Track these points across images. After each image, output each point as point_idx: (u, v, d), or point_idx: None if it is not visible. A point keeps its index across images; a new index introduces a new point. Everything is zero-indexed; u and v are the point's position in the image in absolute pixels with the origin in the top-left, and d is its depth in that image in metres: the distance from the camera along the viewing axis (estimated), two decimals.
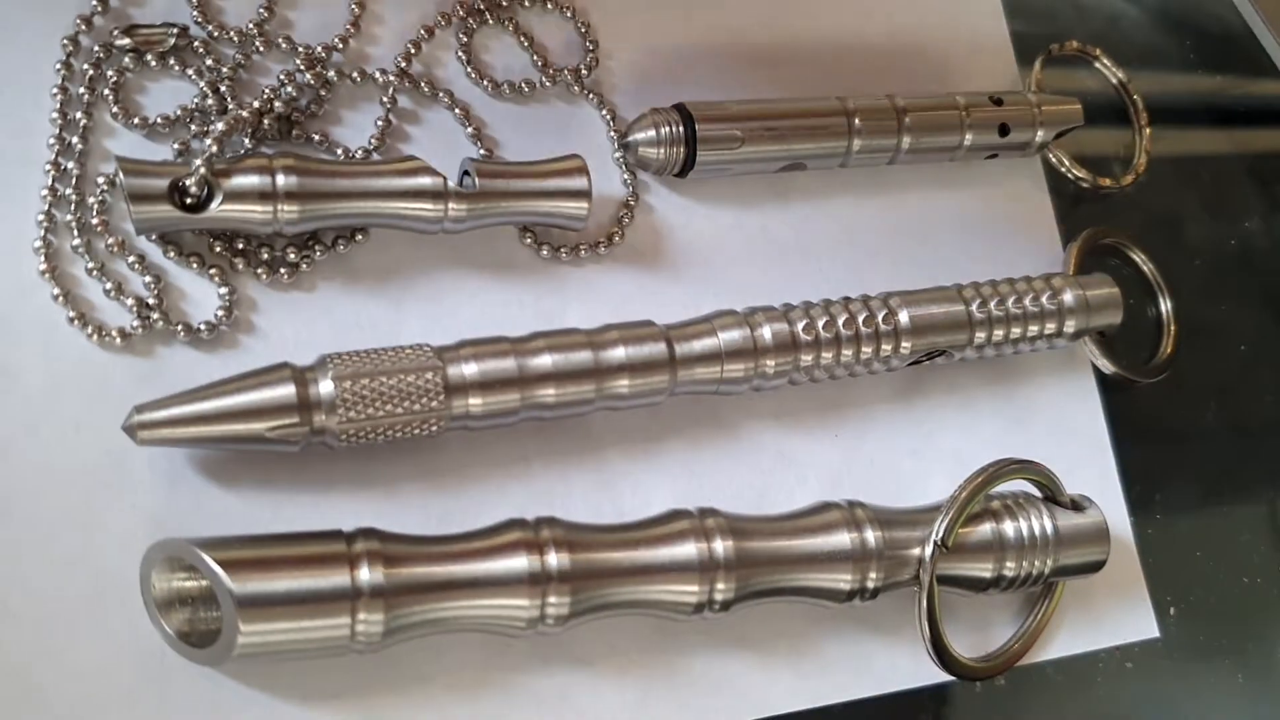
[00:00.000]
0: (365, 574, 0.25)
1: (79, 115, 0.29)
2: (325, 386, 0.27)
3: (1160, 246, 0.41)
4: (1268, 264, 0.43)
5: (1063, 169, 0.39)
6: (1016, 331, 0.35)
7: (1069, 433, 0.37)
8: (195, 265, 0.29)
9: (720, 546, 0.29)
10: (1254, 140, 0.46)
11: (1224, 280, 0.42)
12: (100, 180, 0.29)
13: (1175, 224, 0.43)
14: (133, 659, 0.26)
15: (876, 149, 0.35)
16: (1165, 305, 0.40)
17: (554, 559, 0.27)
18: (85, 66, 0.29)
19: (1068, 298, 0.36)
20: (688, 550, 0.28)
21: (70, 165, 0.29)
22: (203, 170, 0.27)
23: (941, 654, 0.31)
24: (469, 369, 0.28)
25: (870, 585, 0.30)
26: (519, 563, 0.27)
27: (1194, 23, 0.46)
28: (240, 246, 0.29)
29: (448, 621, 0.26)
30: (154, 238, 0.29)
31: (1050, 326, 0.35)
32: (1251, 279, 0.43)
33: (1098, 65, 0.42)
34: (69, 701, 0.25)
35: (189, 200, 0.28)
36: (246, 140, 0.30)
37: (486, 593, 0.27)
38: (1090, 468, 0.37)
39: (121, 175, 0.27)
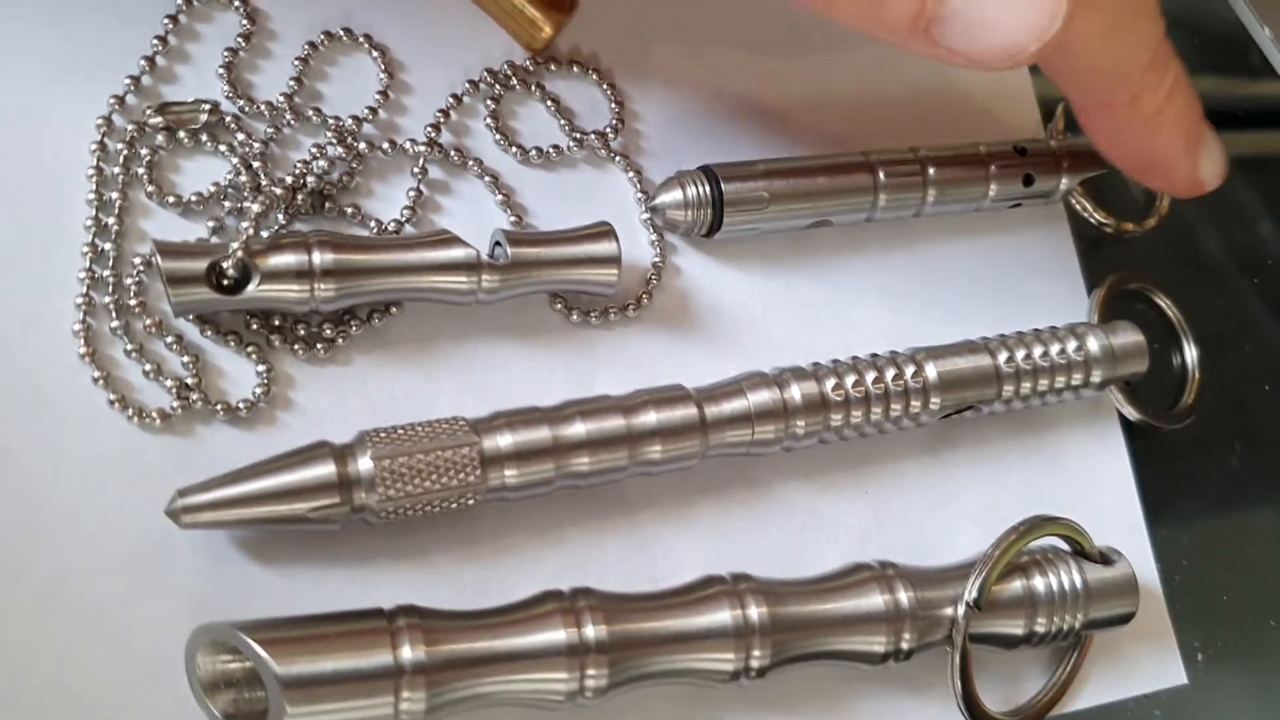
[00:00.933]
0: (407, 652, 0.26)
1: (114, 195, 0.29)
2: (365, 464, 0.27)
3: (1183, 287, 0.41)
4: None
5: (1085, 214, 0.40)
6: (1044, 384, 0.35)
7: (1095, 481, 0.37)
8: (233, 344, 0.29)
9: (755, 613, 0.29)
10: (1267, 147, 0.46)
11: (1247, 320, 0.42)
12: (137, 261, 0.29)
13: (1199, 265, 0.43)
14: None
15: (901, 204, 0.36)
16: (1189, 349, 0.40)
17: (591, 630, 0.27)
18: (119, 146, 0.30)
19: (1094, 348, 0.36)
20: (723, 617, 0.29)
21: (107, 247, 0.29)
22: (240, 253, 0.28)
23: (974, 712, 0.31)
24: (504, 440, 0.29)
25: (904, 647, 0.30)
26: (557, 635, 0.27)
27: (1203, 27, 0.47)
28: (276, 324, 0.30)
29: (488, 696, 0.27)
30: (191, 318, 0.29)
31: (1077, 377, 0.35)
32: (1274, 316, 0.43)
33: None
34: None
35: (226, 282, 0.28)
36: (280, 216, 0.30)
37: (526, 667, 0.27)
38: (1117, 515, 0.37)
39: (159, 258, 0.28)
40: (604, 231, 0.31)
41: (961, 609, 0.31)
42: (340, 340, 0.30)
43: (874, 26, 0.28)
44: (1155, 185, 0.37)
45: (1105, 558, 0.34)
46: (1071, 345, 0.36)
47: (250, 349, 0.29)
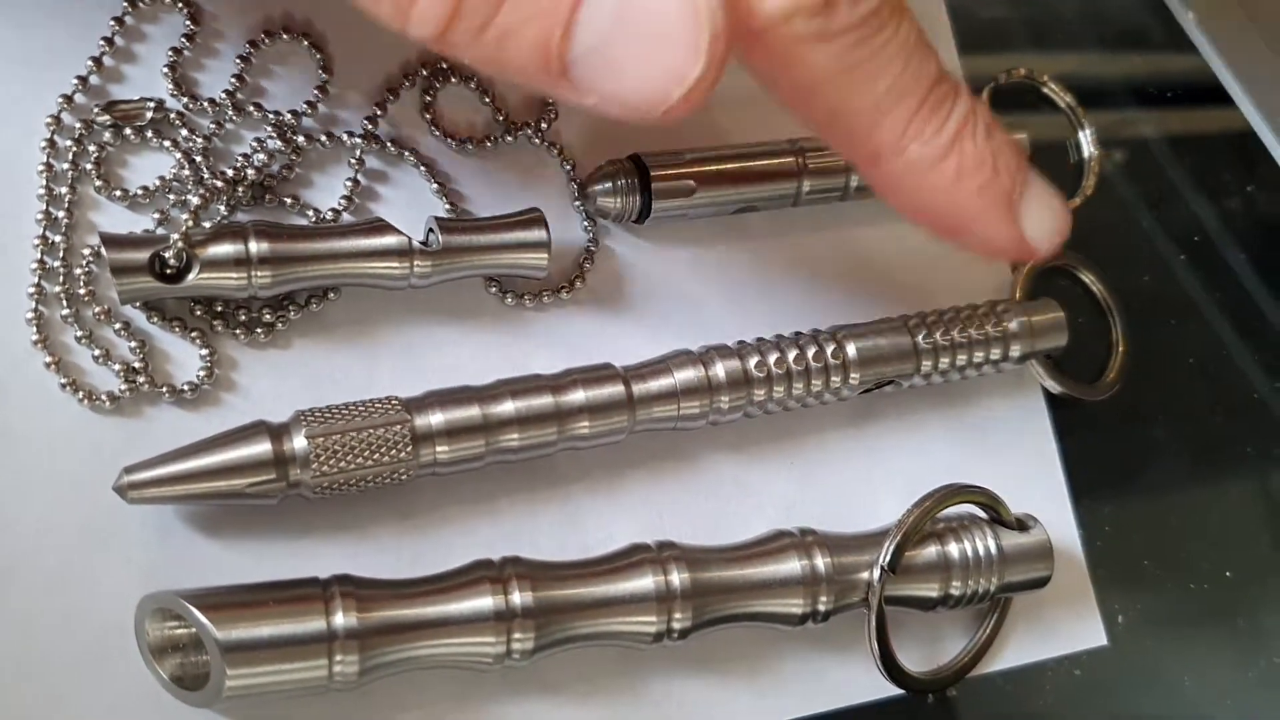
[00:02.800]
0: (340, 618, 0.27)
1: (64, 190, 0.31)
2: (299, 442, 0.29)
3: (1110, 262, 0.42)
4: (1215, 274, 0.45)
5: None
6: (963, 359, 0.36)
7: (1019, 451, 0.38)
8: (177, 329, 0.31)
9: (677, 578, 0.30)
10: (1203, 146, 0.47)
11: (1173, 295, 0.44)
12: (86, 252, 0.31)
13: (1125, 240, 0.44)
14: (132, 703, 0.28)
15: (827, 188, 0.37)
16: (1115, 324, 0.41)
17: (518, 597, 0.29)
18: (68, 143, 0.31)
19: (1012, 324, 0.37)
20: (645, 583, 0.30)
21: (57, 239, 0.31)
22: (180, 244, 0.29)
23: (892, 670, 0.33)
24: (435, 419, 0.30)
25: (821, 609, 0.32)
26: (484, 602, 0.29)
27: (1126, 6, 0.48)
28: (219, 309, 0.31)
29: (419, 660, 0.28)
30: (138, 305, 0.31)
31: (996, 352, 0.37)
32: (1201, 289, 0.44)
33: (1046, 91, 0.43)
34: None
35: (168, 271, 0.30)
36: (223, 208, 0.32)
37: (454, 631, 0.29)
38: (1040, 484, 0.38)
39: (104, 250, 0.29)
40: (534, 218, 0.33)
41: (877, 572, 0.32)
42: (280, 325, 0.32)
43: (501, 69, 0.24)
44: (972, 250, 0.31)
45: (1021, 524, 0.35)
46: (991, 322, 0.37)
47: (194, 334, 0.31)
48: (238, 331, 0.31)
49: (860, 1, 0.25)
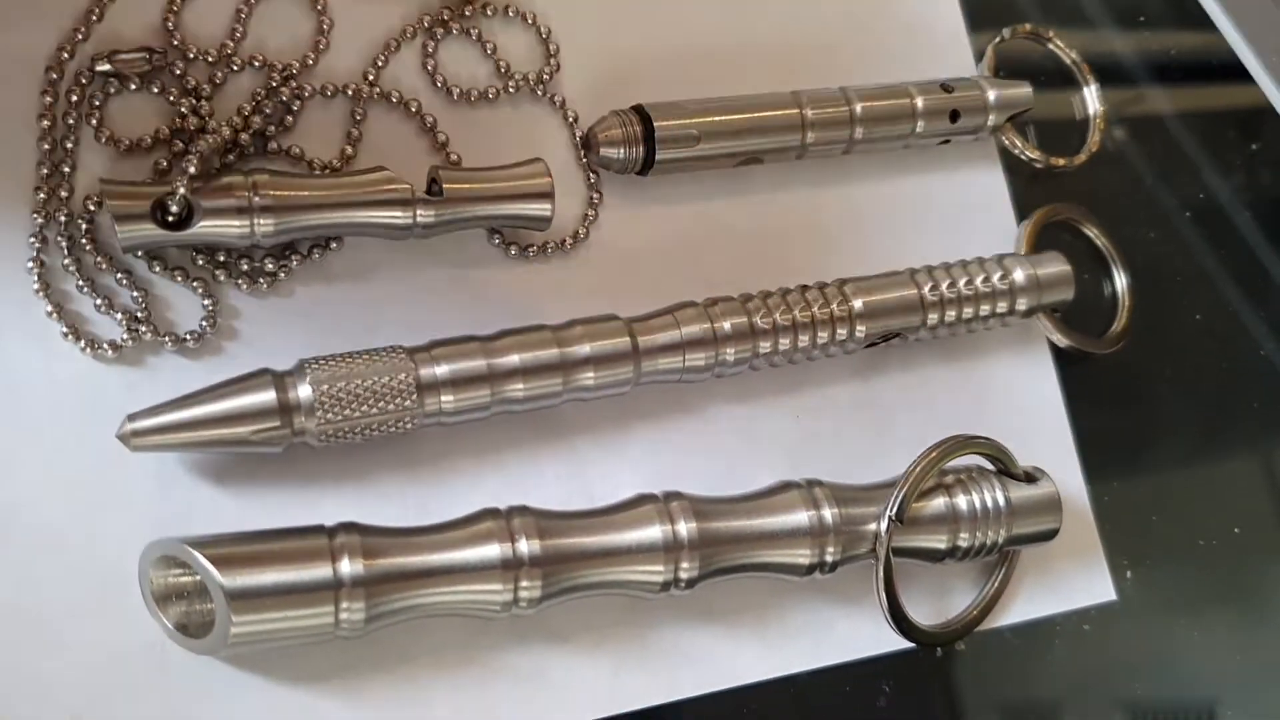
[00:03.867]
0: (346, 566, 0.27)
1: (65, 138, 0.31)
2: (304, 390, 0.29)
3: (1116, 218, 0.42)
4: (1221, 233, 0.44)
5: (1015, 150, 0.41)
6: (969, 312, 0.36)
7: (1026, 405, 0.38)
8: (180, 278, 0.31)
9: (684, 528, 0.30)
10: (1206, 102, 0.47)
11: (1178, 250, 0.44)
12: (87, 201, 0.30)
13: (1129, 197, 0.44)
14: (136, 651, 0.28)
15: (830, 140, 0.37)
16: (1120, 278, 0.41)
17: (525, 545, 0.29)
18: (69, 92, 0.31)
19: (1019, 277, 0.37)
20: (653, 533, 0.30)
21: (59, 188, 0.30)
22: (182, 190, 0.29)
23: (900, 622, 0.33)
24: (440, 369, 0.30)
25: (829, 559, 0.32)
26: (491, 550, 0.29)
27: None
28: (221, 259, 0.31)
29: (426, 607, 0.28)
30: (140, 254, 0.30)
31: (1002, 305, 0.37)
32: (1205, 247, 0.44)
33: (1051, 47, 0.43)
34: (79, 692, 0.27)
35: (170, 219, 0.29)
36: (225, 158, 0.31)
37: (462, 579, 0.28)
38: (1047, 438, 0.38)
39: (106, 197, 0.29)
40: (536, 166, 0.33)
41: (884, 522, 0.32)
42: (282, 274, 0.31)
43: None
44: None
45: (1029, 476, 0.35)
46: (996, 275, 0.37)
47: (196, 283, 0.31)
48: (240, 281, 0.31)
49: None
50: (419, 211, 0.31)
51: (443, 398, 0.30)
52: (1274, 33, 0.45)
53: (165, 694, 0.28)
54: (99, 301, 0.30)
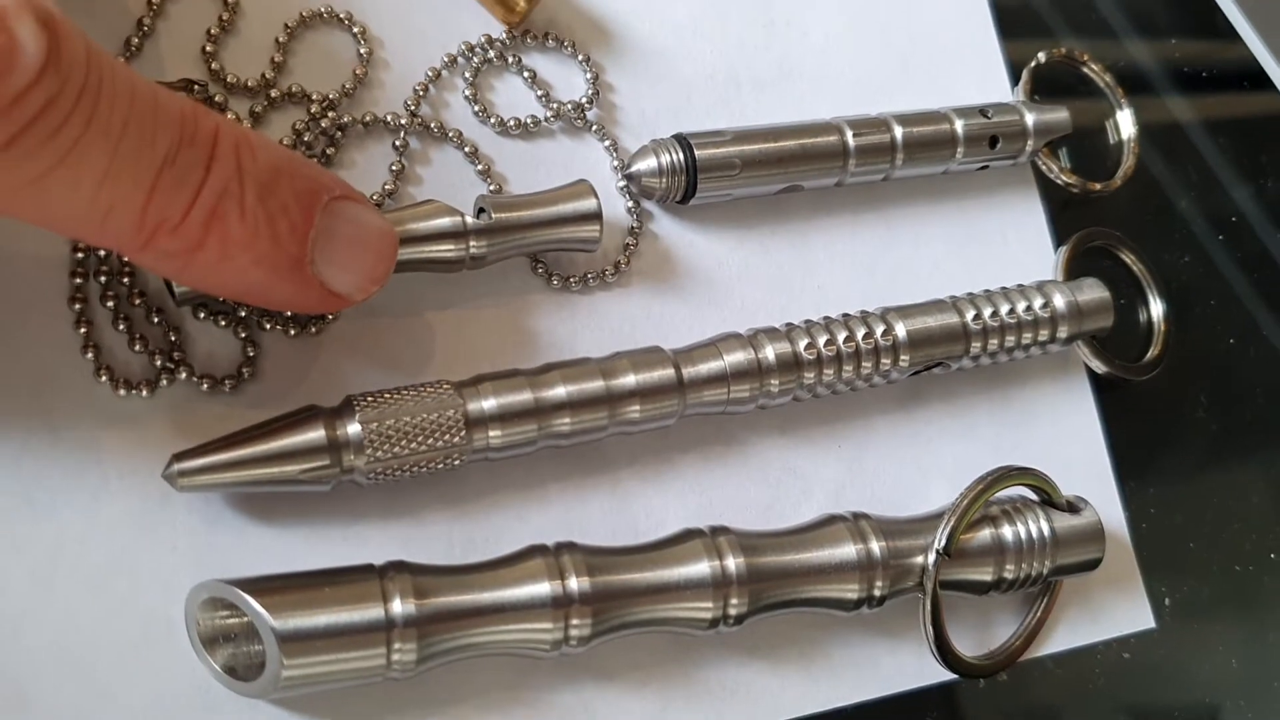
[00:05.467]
0: (398, 606, 0.27)
1: None
2: (353, 428, 0.28)
3: (1151, 242, 0.42)
4: (1254, 256, 0.44)
5: (1051, 175, 0.40)
6: (1011, 340, 0.36)
7: (1064, 433, 0.38)
8: (223, 321, 0.30)
9: (732, 563, 0.30)
10: (1239, 127, 0.47)
11: (1212, 272, 0.43)
12: None
13: (1165, 219, 0.44)
14: (182, 694, 0.28)
15: (871, 168, 0.37)
16: (1155, 303, 0.41)
17: (575, 583, 0.28)
18: None
19: (1059, 304, 0.37)
20: (701, 569, 0.30)
21: None
22: None
23: (946, 655, 0.33)
24: (487, 404, 0.30)
25: (877, 594, 0.32)
26: (542, 588, 0.28)
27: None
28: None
29: (477, 647, 0.28)
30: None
31: (1044, 334, 0.37)
32: (1239, 269, 0.44)
33: (1086, 70, 0.43)
34: None
35: None
36: None
37: (512, 618, 0.28)
38: (1085, 465, 0.38)
39: None
40: (584, 189, 0.32)
41: (932, 556, 0.32)
42: (329, 315, 0.31)
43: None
44: (279, 308, 0.30)
45: (1072, 506, 0.35)
46: (1038, 302, 0.37)
47: (240, 328, 0.30)
48: (291, 330, 0.31)
49: (27, 101, 0.21)
50: (471, 243, 0.31)
51: (490, 433, 0.30)
52: None
53: None
54: (136, 341, 0.29)
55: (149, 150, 0.23)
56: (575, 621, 0.28)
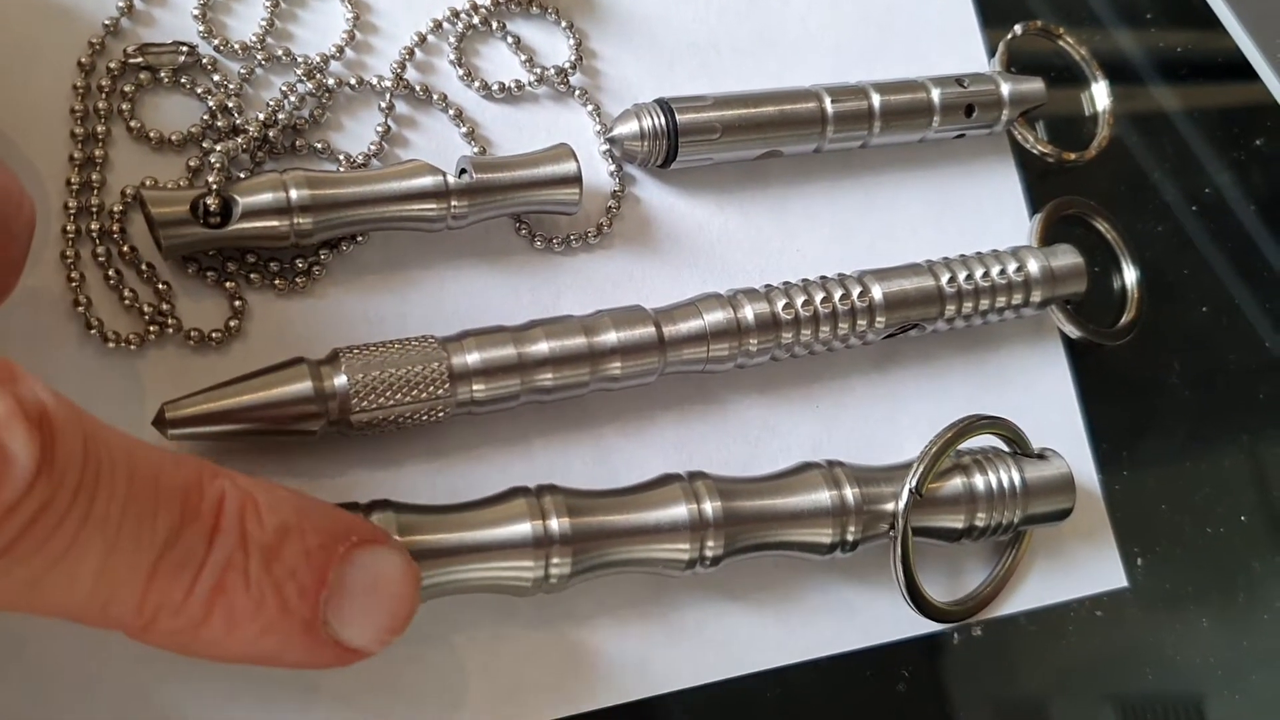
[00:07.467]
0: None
1: (99, 129, 0.31)
2: (339, 379, 0.29)
3: (1125, 212, 0.43)
4: (1227, 226, 0.45)
5: (1026, 144, 0.41)
6: (985, 303, 0.37)
7: (1038, 395, 0.39)
8: (210, 276, 0.31)
9: (709, 507, 0.31)
10: (1212, 98, 0.48)
11: (1186, 243, 0.44)
12: (118, 194, 0.31)
13: (1139, 190, 0.45)
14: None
15: (849, 136, 0.37)
16: (1129, 270, 0.42)
17: (555, 524, 0.29)
18: (103, 83, 0.31)
19: (1034, 269, 0.38)
20: (679, 511, 0.31)
21: (93, 177, 0.31)
22: (217, 188, 0.30)
23: (916, 598, 0.34)
24: (471, 358, 0.31)
25: (850, 538, 0.32)
26: (523, 528, 0.29)
27: None
28: (251, 260, 0.31)
29: (460, 583, 0.29)
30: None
31: (1018, 297, 0.37)
32: (1212, 240, 0.45)
33: (1061, 44, 0.43)
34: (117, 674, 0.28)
35: (212, 220, 0.30)
36: (256, 155, 0.32)
37: (495, 556, 0.29)
38: (1059, 428, 0.39)
39: (150, 206, 0.29)
40: (564, 152, 0.33)
41: (904, 495, 0.33)
42: (316, 271, 0.32)
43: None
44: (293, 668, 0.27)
45: (1043, 457, 0.36)
46: (1012, 266, 0.37)
47: (228, 283, 0.31)
48: (277, 282, 0.31)
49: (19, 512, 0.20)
50: (453, 202, 0.32)
51: (474, 386, 0.31)
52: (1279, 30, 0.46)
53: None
54: (126, 295, 0.30)
55: (149, 534, 0.22)
56: (556, 560, 0.29)
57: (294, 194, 0.30)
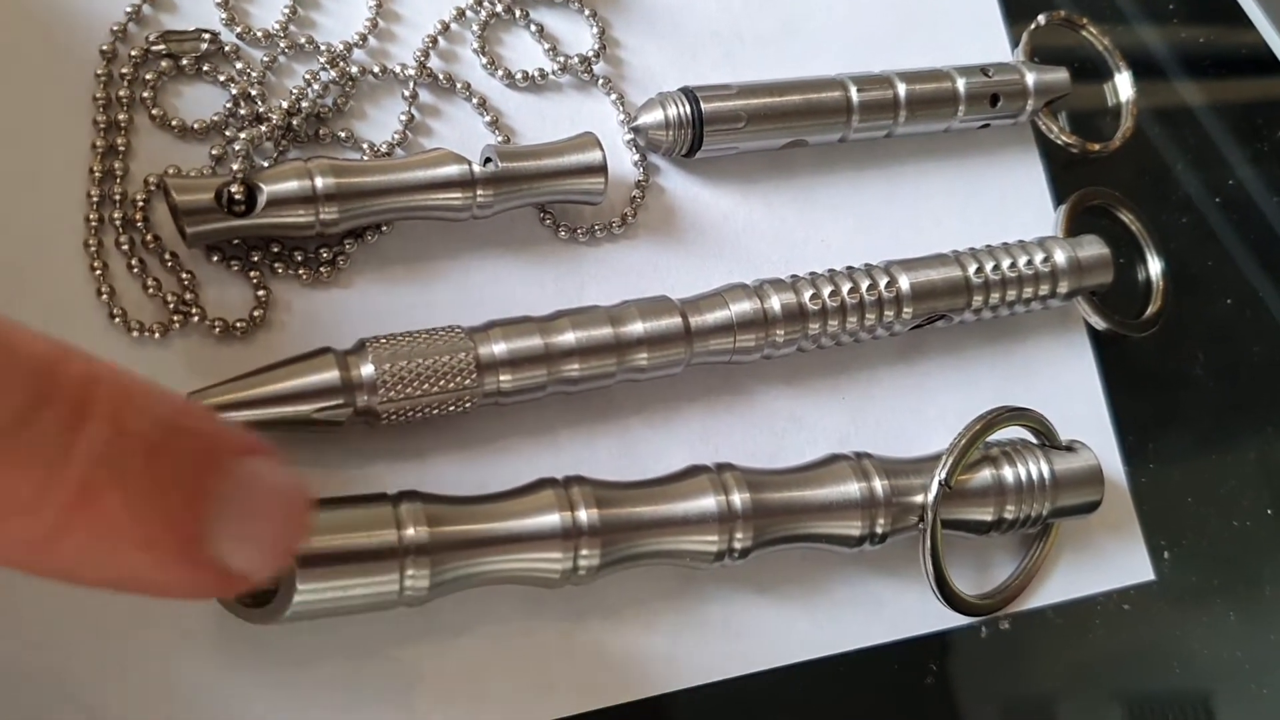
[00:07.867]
0: (411, 532, 0.27)
1: (121, 117, 0.31)
2: (366, 369, 0.29)
3: (1149, 204, 0.42)
4: (1251, 217, 0.45)
5: (1050, 134, 0.41)
6: (1012, 294, 0.37)
7: (1064, 387, 0.39)
8: (235, 266, 0.31)
9: (738, 498, 0.31)
10: (1235, 91, 0.47)
11: (1209, 235, 0.44)
12: (142, 182, 0.30)
13: (1163, 182, 0.44)
14: (195, 623, 0.28)
15: (874, 125, 0.37)
16: (1154, 261, 0.41)
17: (584, 515, 0.29)
18: (125, 71, 0.31)
19: (1060, 259, 0.37)
20: (707, 503, 0.30)
21: (115, 166, 0.30)
22: (242, 175, 0.29)
23: (945, 591, 0.33)
24: (498, 348, 0.30)
25: (879, 530, 0.32)
26: (552, 519, 0.29)
27: None
28: (275, 250, 0.31)
29: (488, 575, 0.28)
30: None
31: (1044, 288, 0.37)
32: (1236, 232, 0.44)
33: (1085, 34, 0.43)
34: (136, 657, 0.28)
35: (236, 209, 0.29)
36: (280, 143, 0.32)
37: (523, 547, 0.28)
38: (1085, 420, 0.38)
39: (175, 195, 0.29)
40: (589, 141, 0.33)
41: (934, 487, 0.32)
42: (341, 262, 0.31)
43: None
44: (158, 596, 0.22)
45: (1071, 448, 0.35)
46: (1039, 257, 0.37)
47: (252, 273, 0.31)
48: (301, 273, 0.31)
49: None
50: (478, 191, 0.31)
51: (501, 377, 0.30)
52: None
53: (222, 667, 0.28)
54: (149, 284, 0.30)
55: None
56: (584, 552, 0.29)
57: (319, 182, 0.30)
